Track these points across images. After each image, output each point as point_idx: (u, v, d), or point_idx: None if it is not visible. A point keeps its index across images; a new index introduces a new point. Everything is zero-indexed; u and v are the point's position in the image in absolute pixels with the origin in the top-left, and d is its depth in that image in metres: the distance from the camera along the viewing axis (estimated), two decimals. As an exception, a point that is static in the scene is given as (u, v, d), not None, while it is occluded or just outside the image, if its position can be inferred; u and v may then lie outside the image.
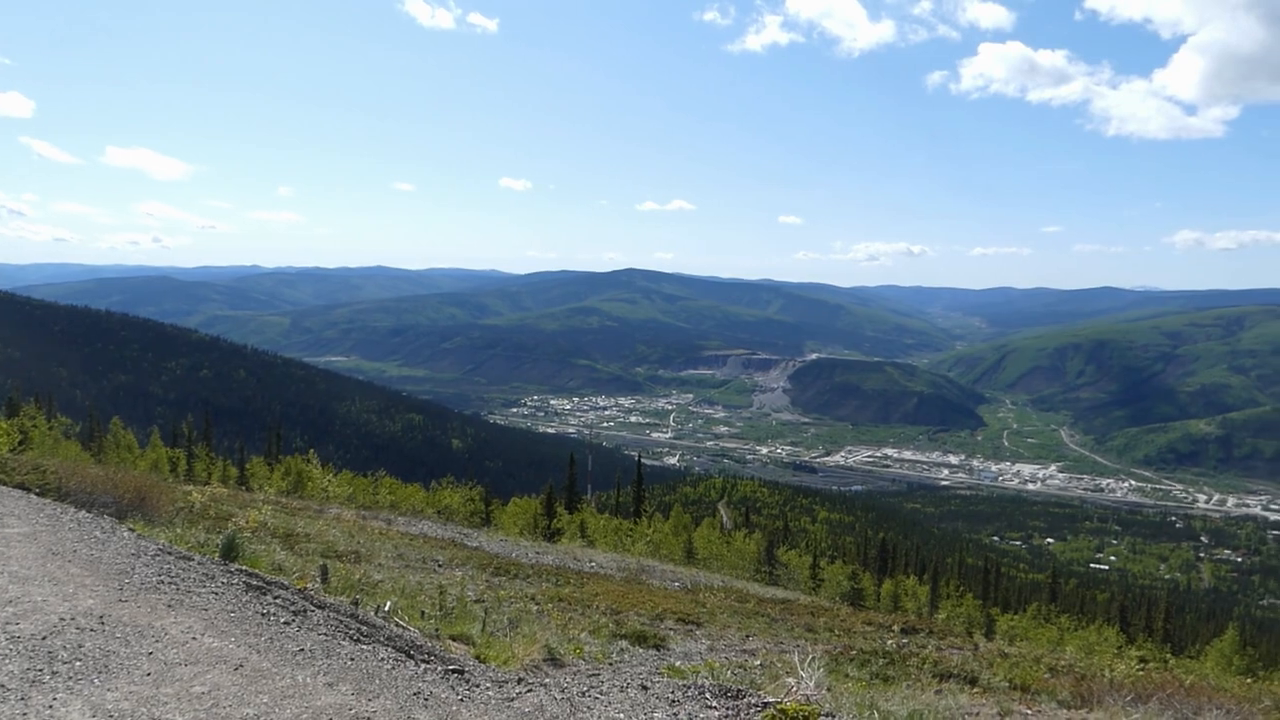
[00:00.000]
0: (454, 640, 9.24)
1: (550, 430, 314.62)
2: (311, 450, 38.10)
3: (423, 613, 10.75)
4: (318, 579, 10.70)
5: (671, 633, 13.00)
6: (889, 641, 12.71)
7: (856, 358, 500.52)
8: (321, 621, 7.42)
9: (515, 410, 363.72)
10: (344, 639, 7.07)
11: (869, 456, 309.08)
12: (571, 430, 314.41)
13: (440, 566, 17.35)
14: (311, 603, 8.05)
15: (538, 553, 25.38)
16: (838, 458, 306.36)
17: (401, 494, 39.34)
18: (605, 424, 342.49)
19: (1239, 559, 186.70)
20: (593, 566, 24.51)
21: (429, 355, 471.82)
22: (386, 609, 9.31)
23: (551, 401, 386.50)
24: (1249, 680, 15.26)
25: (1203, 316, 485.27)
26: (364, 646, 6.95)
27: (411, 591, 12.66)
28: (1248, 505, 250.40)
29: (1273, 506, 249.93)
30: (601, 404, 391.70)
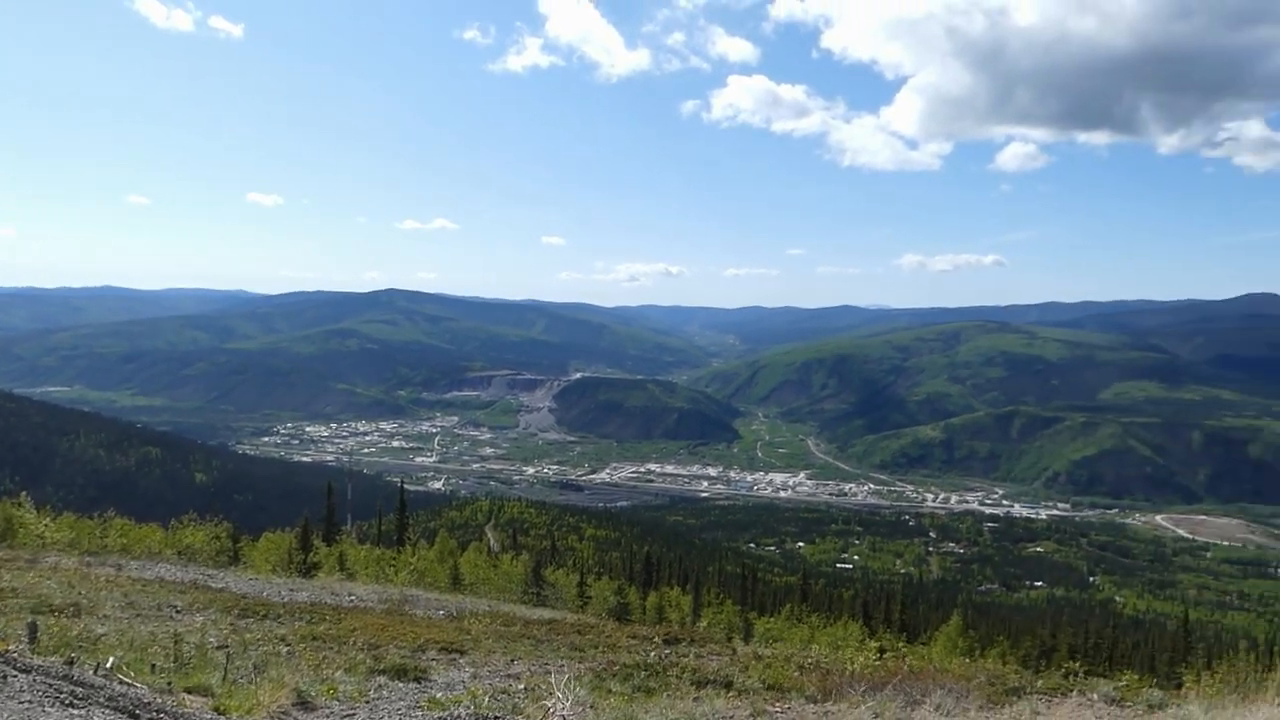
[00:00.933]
0: (190, 693, 8.48)
1: (306, 459, 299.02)
2: (24, 493, 33.93)
3: (154, 665, 9.82)
4: (24, 639, 9.50)
5: (434, 663, 12.63)
6: (651, 653, 13.01)
7: (620, 376, 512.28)
8: (25, 687, 6.56)
9: (267, 439, 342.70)
10: (52, 705, 6.28)
11: (633, 472, 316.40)
12: (330, 458, 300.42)
13: (179, 612, 15.96)
14: (14, 667, 7.11)
15: (291, 590, 23.94)
16: (603, 475, 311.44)
17: (135, 536, 35.86)
18: (366, 450, 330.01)
19: (961, 550, 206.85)
20: (352, 600, 23.45)
21: (168, 383, 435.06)
22: (109, 665, 8.40)
23: (307, 429, 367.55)
24: (969, 660, 16.98)
25: (927, 332, 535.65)
26: (76, 711, 6.21)
27: (142, 643, 11.54)
28: (967, 501, 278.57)
29: (987, 501, 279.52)
30: (362, 429, 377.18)
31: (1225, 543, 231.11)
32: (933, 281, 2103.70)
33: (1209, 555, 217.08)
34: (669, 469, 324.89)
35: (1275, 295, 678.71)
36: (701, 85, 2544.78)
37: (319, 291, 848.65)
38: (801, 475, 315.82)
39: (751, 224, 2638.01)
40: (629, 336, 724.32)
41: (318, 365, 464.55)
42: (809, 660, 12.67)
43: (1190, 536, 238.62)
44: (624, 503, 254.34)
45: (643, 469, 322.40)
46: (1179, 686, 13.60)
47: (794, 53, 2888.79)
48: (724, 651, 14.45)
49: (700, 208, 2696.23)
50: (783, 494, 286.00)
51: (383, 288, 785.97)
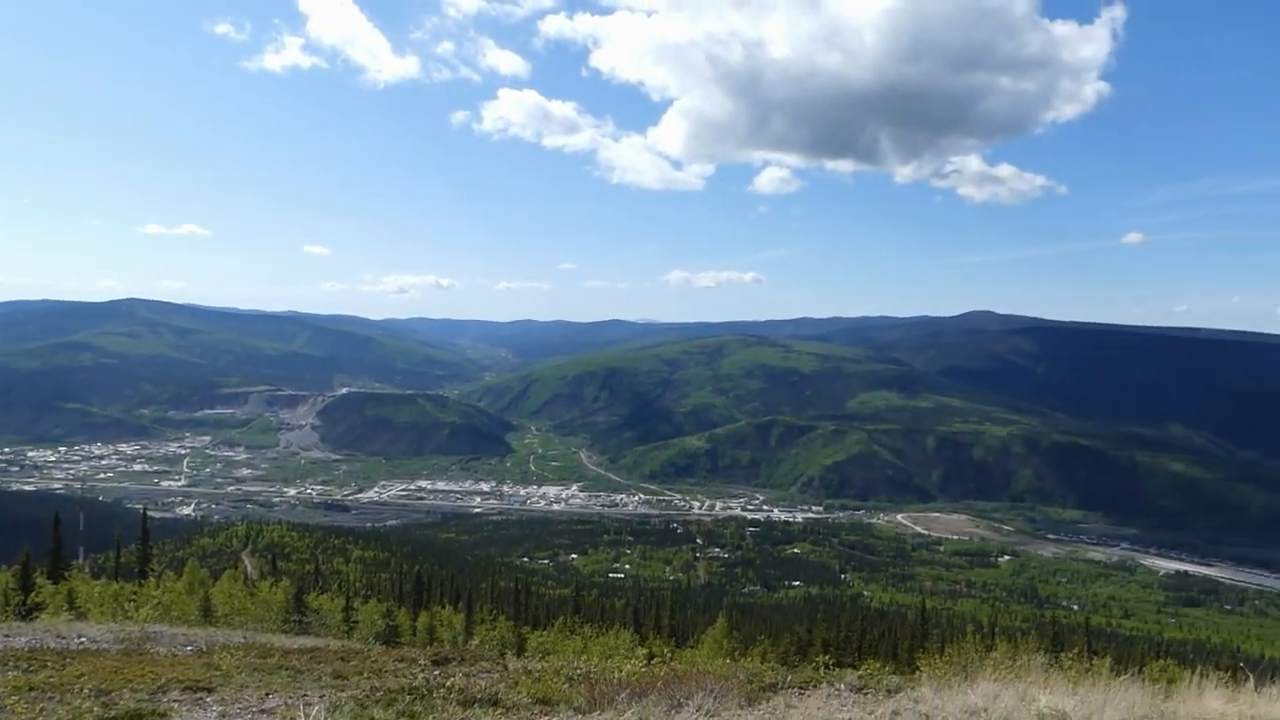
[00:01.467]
0: None
1: (29, 487, 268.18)
2: None
3: None
4: None
5: (176, 705, 11.57)
6: (419, 676, 12.58)
7: (389, 391, 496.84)
8: None
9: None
10: None
11: (404, 490, 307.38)
12: (58, 486, 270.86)
13: None
14: None
15: (6, 636, 21.28)
16: (371, 494, 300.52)
17: None
18: (103, 476, 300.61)
19: (726, 555, 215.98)
20: (82, 642, 21.13)
21: None
22: None
23: (30, 453, 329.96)
24: (732, 660, 17.71)
25: (692, 345, 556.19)
26: None
27: None
28: (731, 507, 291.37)
29: (749, 507, 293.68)
30: (98, 453, 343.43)
31: (955, 537, 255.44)
32: (698, 297, 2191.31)
33: (942, 549, 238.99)
34: (441, 485, 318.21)
35: (993, 313, 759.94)
36: (472, 96, 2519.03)
37: (44, 300, 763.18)
38: (574, 488, 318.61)
39: (524, 237, 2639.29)
40: (398, 350, 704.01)
41: (42, 382, 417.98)
42: (578, 672, 12.72)
43: (926, 532, 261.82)
44: (394, 522, 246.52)
45: (413, 486, 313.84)
46: (915, 670, 14.86)
47: (564, 69, 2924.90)
48: (495, 668, 14.23)
49: (472, 220, 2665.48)
50: (556, 507, 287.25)
51: (121, 297, 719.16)
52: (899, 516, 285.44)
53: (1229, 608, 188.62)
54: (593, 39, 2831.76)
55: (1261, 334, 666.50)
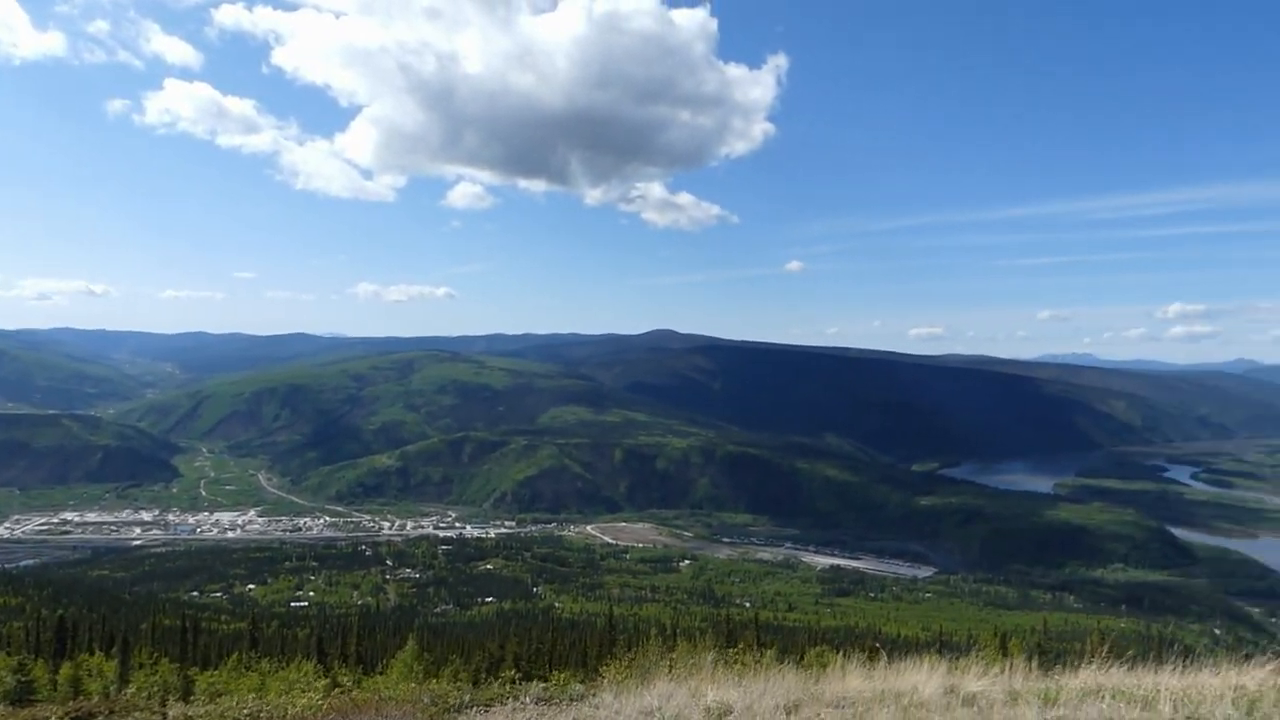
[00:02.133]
0: None
1: None
2: None
3: None
4: None
5: None
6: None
7: (26, 411, 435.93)
8: None
9: None
10: None
11: (44, 524, 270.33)
12: None
13: None
14: None
15: None
16: (1, 530, 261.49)
17: None
18: None
19: (418, 575, 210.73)
20: None
21: None
22: None
23: None
24: (422, 683, 17.29)
25: (382, 361, 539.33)
26: None
27: None
28: (423, 526, 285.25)
29: (441, 525, 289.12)
30: None
31: (641, 544, 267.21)
32: (388, 311, 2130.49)
33: (629, 557, 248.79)
34: (91, 517, 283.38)
35: (675, 332, 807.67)
36: (132, 84, 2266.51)
37: None
38: (252, 513, 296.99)
39: (194, 242, 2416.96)
40: (37, 364, 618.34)
41: None
42: (245, 712, 11.82)
43: (614, 542, 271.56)
44: (30, 561, 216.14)
45: (56, 520, 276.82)
46: (599, 677, 15.33)
47: (242, 64, 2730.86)
48: (154, 716, 12.88)
49: (131, 220, 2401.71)
50: (231, 534, 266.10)
51: None
52: (589, 528, 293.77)
53: (873, 595, 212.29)
54: (275, 35, 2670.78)
55: (897, 353, 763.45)
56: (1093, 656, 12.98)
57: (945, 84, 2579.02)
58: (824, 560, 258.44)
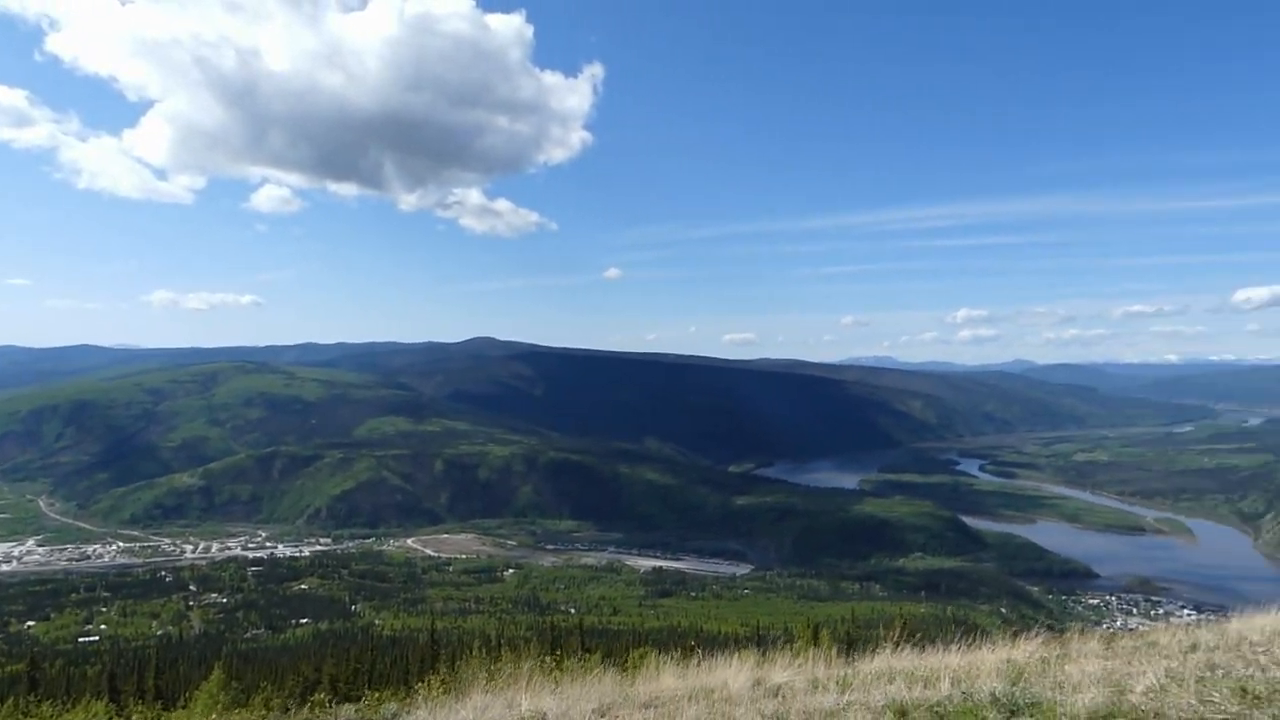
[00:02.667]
0: None
1: None
2: None
3: None
4: None
5: None
6: None
7: None
8: None
9: None
10: None
11: None
12: None
13: None
14: None
15: None
16: None
17: None
18: None
19: (225, 600, 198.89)
20: None
21: None
22: None
23: None
24: (229, 713, 16.46)
25: (182, 373, 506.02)
26: None
27: None
28: (230, 548, 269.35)
29: (250, 545, 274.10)
30: None
31: (464, 556, 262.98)
32: (188, 320, 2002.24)
33: (451, 569, 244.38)
34: None
35: (495, 339, 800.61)
36: None
37: None
38: (31, 543, 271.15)
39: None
40: None
41: None
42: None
43: (436, 554, 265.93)
44: None
45: None
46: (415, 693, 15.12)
47: (11, 50, 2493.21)
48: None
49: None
50: (6, 567, 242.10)
51: None
52: (410, 541, 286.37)
53: (694, 594, 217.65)
54: (48, 19, 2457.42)
55: (713, 358, 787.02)
56: (889, 642, 14.25)
57: (756, 98, 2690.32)
58: (647, 563, 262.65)
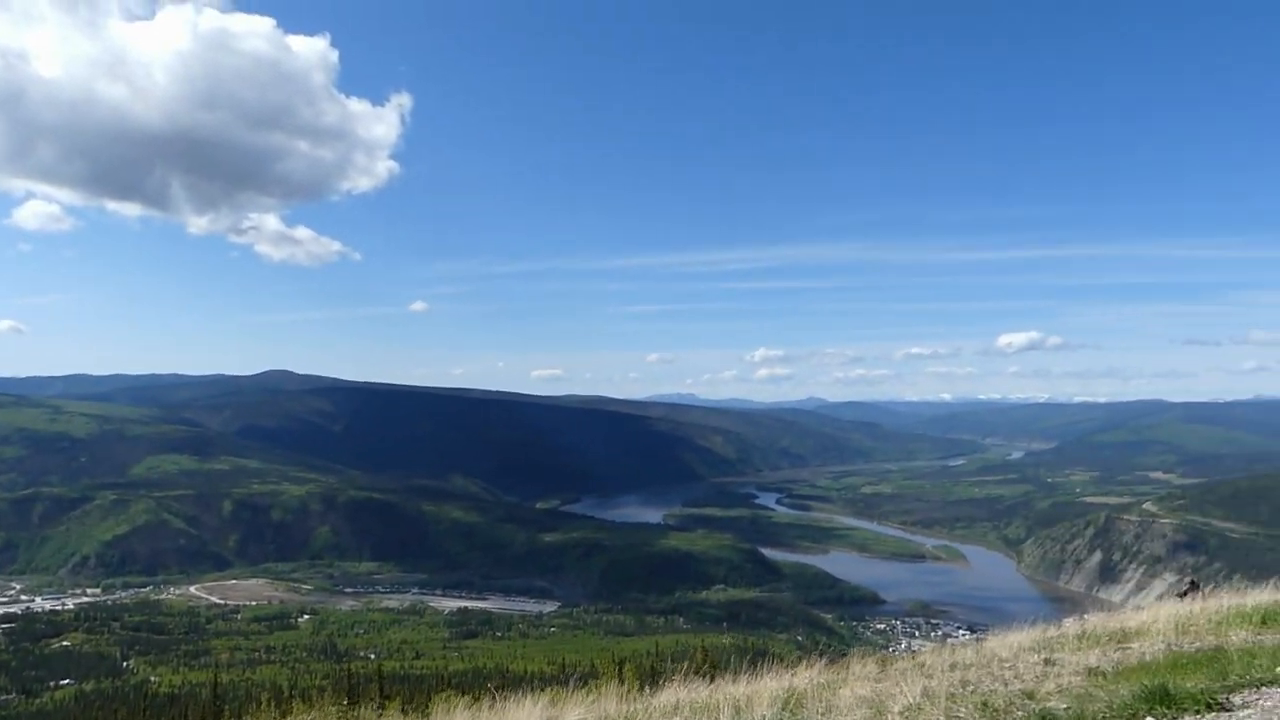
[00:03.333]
0: None
1: None
2: None
3: None
4: None
5: None
6: None
7: None
8: None
9: None
10: None
11: None
12: None
13: None
14: None
15: None
16: None
17: None
18: None
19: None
20: None
21: None
22: None
23: None
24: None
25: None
26: None
27: None
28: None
29: (4, 598, 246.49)
30: None
31: (254, 602, 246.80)
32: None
33: (240, 617, 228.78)
34: None
35: (292, 372, 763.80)
36: None
37: None
38: None
39: None
40: None
41: None
42: None
43: (223, 602, 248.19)
44: None
45: None
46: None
47: None
48: None
49: None
50: None
51: None
52: (193, 589, 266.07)
53: (500, 634, 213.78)
54: None
55: (520, 393, 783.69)
56: (679, 675, 14.80)
57: (565, 139, 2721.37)
58: (452, 603, 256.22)
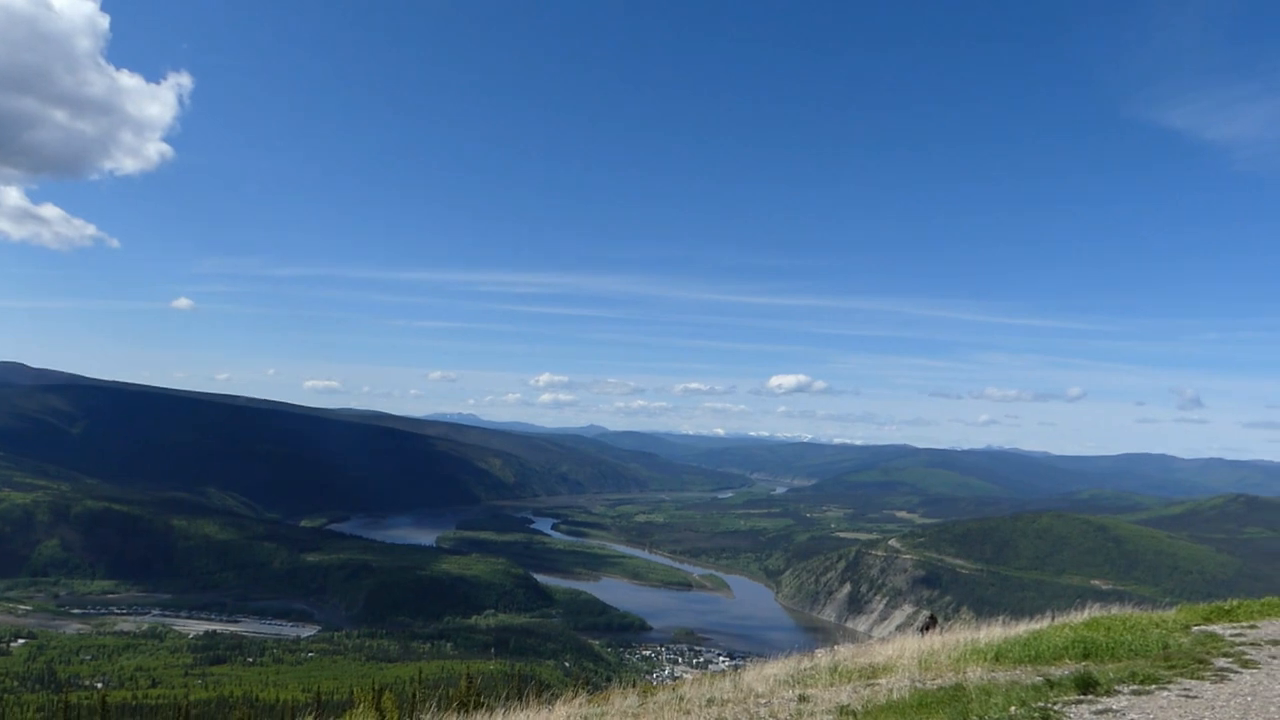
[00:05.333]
0: None
1: None
2: None
3: None
4: None
5: None
6: None
7: None
8: None
9: None
10: None
11: None
12: None
13: None
14: None
15: None
16: None
17: None
18: None
19: None
20: None
21: None
22: None
23: None
24: None
25: None
26: None
27: None
28: None
29: None
30: None
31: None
32: None
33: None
34: None
35: (25, 366, 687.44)
36: None
37: None
38: None
39: None
40: None
41: None
42: None
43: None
44: None
45: None
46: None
47: None
48: None
49: None
50: None
51: None
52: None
53: (251, 660, 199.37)
54: None
55: (291, 404, 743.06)
56: (433, 706, 14.16)
57: (354, 144, 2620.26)
58: (199, 626, 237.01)
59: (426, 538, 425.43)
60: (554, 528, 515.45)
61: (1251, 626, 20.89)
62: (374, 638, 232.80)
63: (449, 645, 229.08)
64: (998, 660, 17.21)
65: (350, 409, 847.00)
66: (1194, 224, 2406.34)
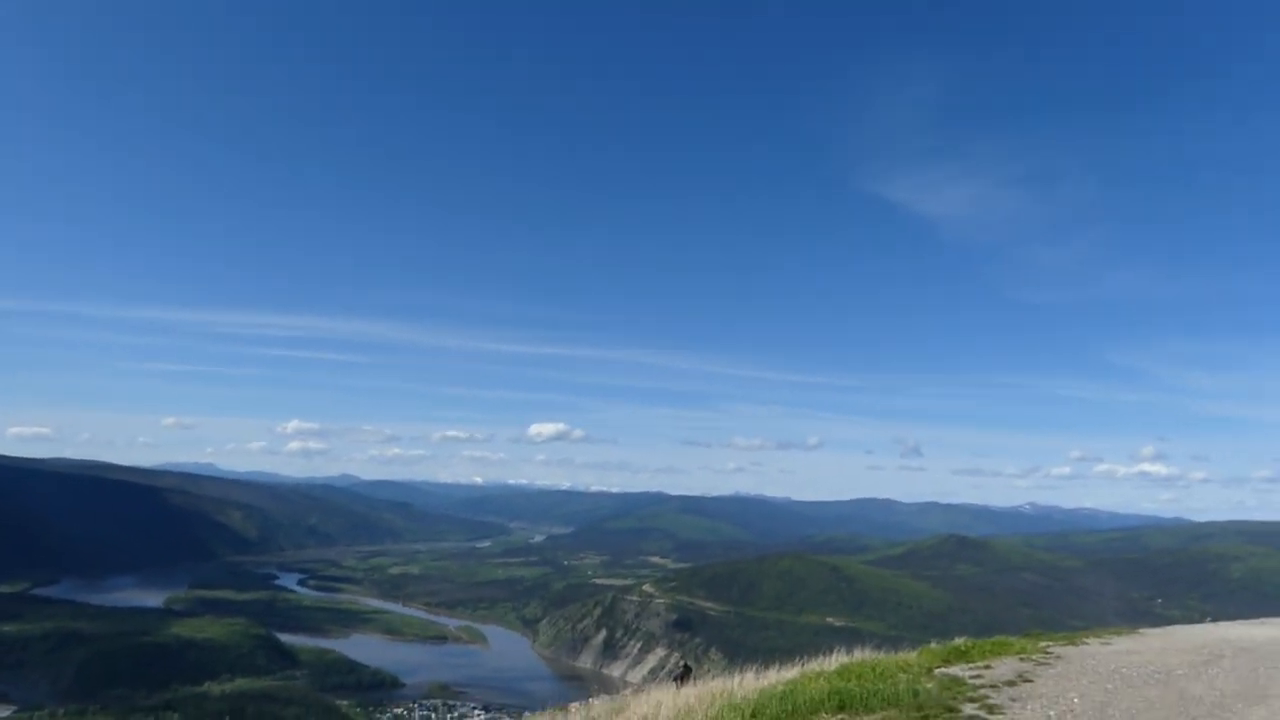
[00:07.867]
0: None
1: None
2: None
3: None
4: None
5: None
6: None
7: None
8: None
9: None
10: None
11: None
12: None
13: None
14: None
15: None
16: None
17: None
18: None
19: None
20: None
21: None
22: None
23: None
24: None
25: None
26: None
27: None
28: None
29: None
30: None
31: None
32: None
33: None
34: None
35: None
36: None
37: None
38: None
39: None
40: None
41: None
42: None
43: None
44: None
45: None
46: None
47: None
48: None
49: None
50: None
51: None
52: None
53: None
54: None
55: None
56: None
57: (73, 142, 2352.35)
58: None
59: (154, 599, 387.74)
60: (301, 583, 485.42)
61: (987, 667, 21.96)
62: (83, 715, 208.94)
63: (177, 717, 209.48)
64: (754, 718, 16.80)
65: (64, 458, 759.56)
66: (913, 289, 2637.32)
